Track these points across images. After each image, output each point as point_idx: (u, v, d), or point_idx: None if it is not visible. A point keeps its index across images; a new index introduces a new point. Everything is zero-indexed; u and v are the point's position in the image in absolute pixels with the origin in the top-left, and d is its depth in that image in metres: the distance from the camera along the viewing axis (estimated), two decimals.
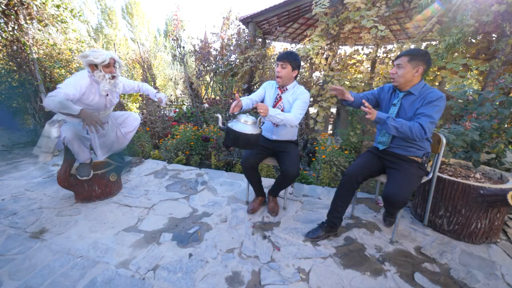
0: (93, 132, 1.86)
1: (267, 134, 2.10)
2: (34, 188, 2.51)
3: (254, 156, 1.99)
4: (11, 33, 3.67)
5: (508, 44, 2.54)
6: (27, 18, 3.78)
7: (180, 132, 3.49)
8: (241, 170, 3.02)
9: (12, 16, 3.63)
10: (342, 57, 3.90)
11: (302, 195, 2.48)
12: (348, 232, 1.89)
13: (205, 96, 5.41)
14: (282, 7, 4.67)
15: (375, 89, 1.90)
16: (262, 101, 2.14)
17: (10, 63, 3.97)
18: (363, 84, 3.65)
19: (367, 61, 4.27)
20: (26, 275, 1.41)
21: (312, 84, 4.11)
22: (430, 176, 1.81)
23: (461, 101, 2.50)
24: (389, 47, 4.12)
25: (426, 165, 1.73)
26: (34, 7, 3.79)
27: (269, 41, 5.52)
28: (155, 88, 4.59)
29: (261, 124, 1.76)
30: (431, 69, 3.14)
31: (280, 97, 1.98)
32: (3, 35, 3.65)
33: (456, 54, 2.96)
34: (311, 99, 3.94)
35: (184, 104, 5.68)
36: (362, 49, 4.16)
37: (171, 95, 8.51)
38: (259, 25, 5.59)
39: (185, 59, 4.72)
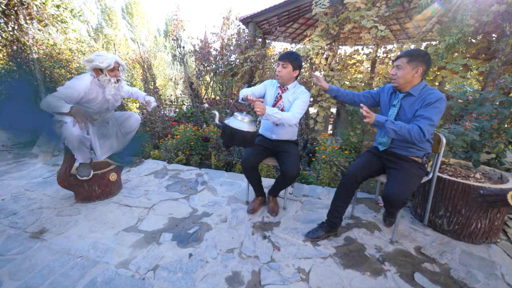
0: (82, 129, 1.89)
1: (267, 134, 2.10)
2: (34, 188, 2.51)
3: (254, 156, 1.99)
4: (11, 33, 3.67)
5: (508, 44, 2.54)
6: (27, 18, 3.78)
7: (180, 132, 3.49)
8: (241, 170, 3.02)
9: (12, 16, 3.63)
10: (342, 57, 3.90)
11: (302, 195, 2.48)
12: (348, 232, 1.89)
13: (205, 96, 5.41)
14: (282, 7, 4.67)
15: (375, 89, 1.90)
16: (262, 99, 2.14)
17: (10, 63, 3.97)
18: (363, 84, 3.66)
19: (367, 61, 4.27)
20: (26, 275, 1.41)
21: (312, 84, 4.12)
22: (430, 176, 1.81)
23: (461, 101, 2.50)
24: (389, 47, 4.12)
25: (426, 165, 1.73)
26: (34, 7, 3.79)
27: (269, 41, 5.53)
28: (155, 88, 4.59)
29: (258, 123, 1.76)
30: (431, 69, 3.14)
31: (281, 96, 1.98)
32: (3, 35, 3.65)
33: (456, 54, 2.96)
34: (311, 99, 3.94)
35: (184, 104, 5.68)
36: (362, 49, 4.16)
37: (171, 95, 8.51)
38: (259, 25, 5.60)
39: (185, 59, 4.71)
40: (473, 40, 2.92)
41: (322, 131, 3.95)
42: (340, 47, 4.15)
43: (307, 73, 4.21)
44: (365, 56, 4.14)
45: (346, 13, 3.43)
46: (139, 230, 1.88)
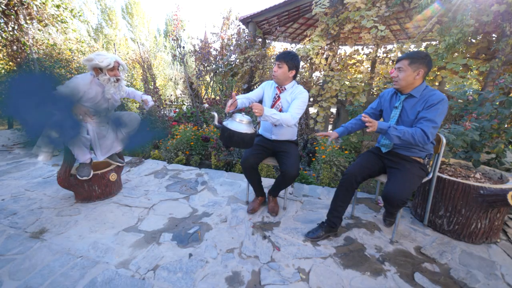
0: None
1: (267, 134, 2.10)
2: (34, 188, 2.51)
3: (254, 156, 1.99)
4: (11, 33, 3.67)
5: (508, 44, 2.54)
6: (27, 18, 3.78)
7: (180, 132, 3.49)
8: (241, 170, 3.02)
9: (12, 16, 3.64)
10: (342, 57, 3.90)
11: (302, 195, 2.48)
12: (348, 232, 1.89)
13: (205, 96, 5.41)
14: (282, 7, 4.67)
15: (374, 101, 1.91)
16: (261, 101, 2.14)
17: (10, 63, 3.97)
18: (363, 84, 3.65)
19: (367, 61, 4.27)
20: (26, 275, 1.41)
21: (312, 84, 4.12)
22: (430, 176, 1.81)
23: (461, 101, 2.50)
24: (389, 47, 4.12)
25: (428, 166, 1.73)
26: (34, 7, 3.80)
27: (269, 41, 5.53)
28: (155, 88, 4.59)
29: (256, 124, 1.76)
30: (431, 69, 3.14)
31: (279, 96, 1.98)
32: (3, 35, 3.66)
33: (456, 54, 2.96)
34: (311, 99, 3.94)
35: (184, 104, 5.68)
36: (362, 49, 4.16)
37: (171, 95, 8.51)
38: (259, 25, 5.60)
39: (185, 59, 4.71)
40: (473, 40, 2.92)
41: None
42: (340, 47, 4.15)
43: (307, 73, 4.21)
44: (365, 56, 4.14)
45: (346, 13, 3.43)
46: (139, 230, 1.88)
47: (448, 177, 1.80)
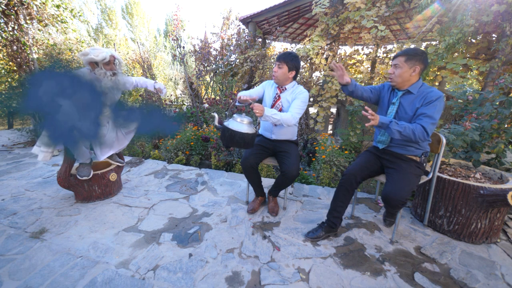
0: None
1: (267, 134, 2.10)
2: (34, 188, 2.51)
3: (254, 156, 1.99)
4: (11, 33, 3.67)
5: (508, 44, 2.54)
6: (27, 18, 3.78)
7: (180, 132, 3.49)
8: (241, 170, 3.02)
9: (12, 16, 3.64)
10: (342, 57, 3.90)
11: (302, 195, 2.48)
12: (348, 232, 1.89)
13: (205, 96, 5.41)
14: (282, 7, 4.67)
15: (377, 85, 1.89)
16: (261, 100, 2.14)
17: (10, 63, 3.98)
18: (363, 84, 3.66)
19: (367, 61, 4.27)
20: (26, 275, 1.41)
21: (312, 84, 4.12)
22: (430, 176, 1.81)
23: (461, 101, 2.50)
24: (389, 47, 4.12)
25: (425, 164, 1.73)
26: (34, 7, 3.80)
27: (269, 41, 5.53)
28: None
29: (257, 124, 1.77)
30: (431, 69, 3.14)
31: (279, 96, 1.98)
32: (3, 35, 3.66)
33: (456, 54, 2.96)
34: (311, 99, 3.94)
35: (184, 104, 5.68)
36: (362, 49, 4.16)
37: (171, 95, 8.50)
38: (259, 25, 5.60)
39: (185, 59, 4.72)
40: (473, 40, 2.92)
41: (322, 131, 3.95)
42: (340, 47, 4.15)
43: (307, 73, 4.21)
44: (365, 56, 4.14)
45: (346, 13, 3.43)
46: (139, 230, 1.88)
47: (448, 177, 1.80)
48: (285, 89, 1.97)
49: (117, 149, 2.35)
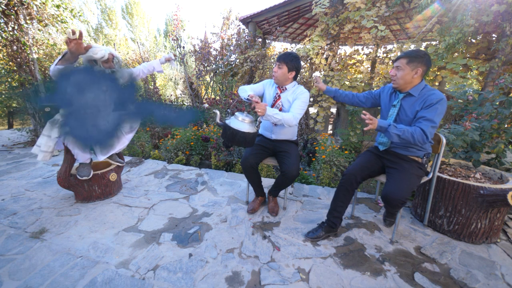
0: None
1: (267, 133, 2.10)
2: (34, 188, 2.51)
3: (254, 156, 1.99)
4: (11, 33, 3.67)
5: (508, 44, 2.54)
6: (27, 18, 3.78)
7: (180, 132, 3.49)
8: (241, 170, 3.02)
9: (12, 16, 3.63)
10: (342, 57, 3.90)
11: (302, 195, 2.48)
12: (348, 232, 1.89)
13: (205, 96, 5.41)
14: (282, 7, 4.67)
15: (377, 89, 1.91)
16: (260, 98, 2.14)
17: (10, 63, 3.97)
18: (363, 84, 3.65)
19: (367, 61, 4.27)
20: (26, 275, 1.41)
21: (312, 84, 4.12)
22: (430, 176, 1.81)
23: (461, 101, 2.50)
24: (389, 47, 4.12)
25: (426, 165, 1.73)
26: (34, 7, 3.80)
27: (269, 41, 5.53)
28: (155, 88, 4.58)
29: (258, 123, 1.77)
30: (431, 69, 3.14)
31: (279, 96, 1.98)
32: (3, 35, 3.65)
33: (456, 54, 2.96)
34: (311, 99, 3.94)
35: (184, 104, 5.68)
36: (362, 49, 4.16)
37: (171, 95, 8.50)
38: (259, 25, 5.59)
39: (185, 59, 4.72)
40: (473, 40, 2.92)
41: (322, 131, 3.95)
42: (340, 47, 4.15)
43: (307, 73, 4.21)
44: (365, 56, 4.14)
45: (346, 13, 3.43)
46: (139, 230, 1.88)
47: (448, 177, 1.80)
48: (286, 89, 1.97)
49: (118, 149, 2.36)
